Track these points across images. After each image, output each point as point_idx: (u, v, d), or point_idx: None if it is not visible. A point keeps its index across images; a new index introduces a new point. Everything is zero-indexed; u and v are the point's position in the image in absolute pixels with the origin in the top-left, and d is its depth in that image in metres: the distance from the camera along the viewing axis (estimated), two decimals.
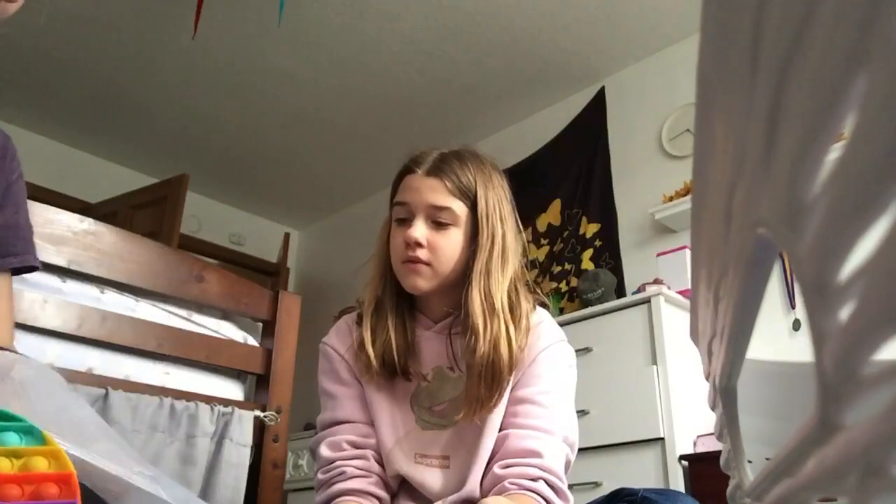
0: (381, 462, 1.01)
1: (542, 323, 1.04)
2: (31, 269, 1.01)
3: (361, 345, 1.02)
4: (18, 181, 1.01)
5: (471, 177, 1.01)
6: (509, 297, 1.00)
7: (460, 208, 1.00)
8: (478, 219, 1.00)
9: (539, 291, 1.08)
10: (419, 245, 0.98)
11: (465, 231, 1.00)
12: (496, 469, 0.94)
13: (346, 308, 1.05)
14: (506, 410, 0.98)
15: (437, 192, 0.99)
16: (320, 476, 0.99)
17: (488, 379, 0.95)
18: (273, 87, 3.50)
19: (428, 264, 0.99)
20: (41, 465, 0.49)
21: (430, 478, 0.99)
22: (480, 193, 1.00)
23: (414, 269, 0.99)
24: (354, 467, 0.98)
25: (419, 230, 0.98)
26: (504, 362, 0.95)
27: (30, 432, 0.51)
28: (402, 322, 1.03)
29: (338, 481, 0.97)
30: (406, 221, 1.01)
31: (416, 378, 1.03)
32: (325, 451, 1.00)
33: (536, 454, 0.93)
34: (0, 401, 0.56)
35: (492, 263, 0.98)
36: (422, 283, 0.99)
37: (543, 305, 1.08)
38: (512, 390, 0.99)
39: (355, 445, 1.00)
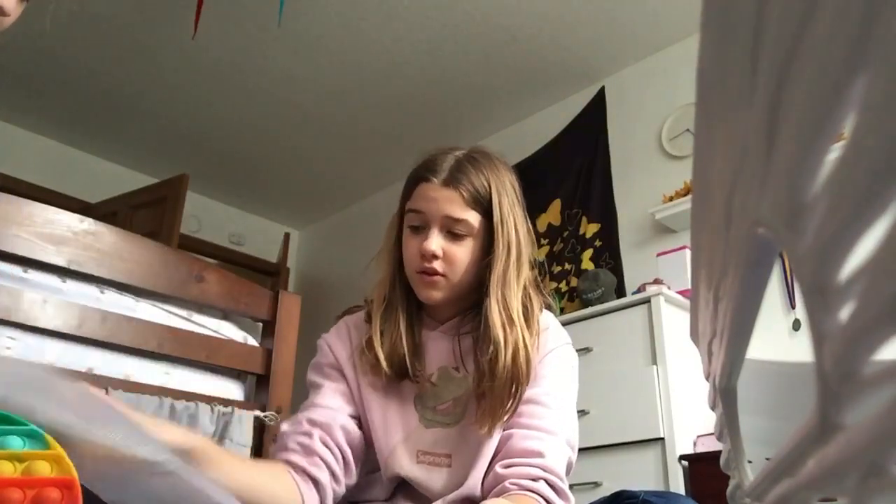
0: (334, 444, 0.98)
1: (549, 328, 1.05)
2: None
3: (370, 345, 1.01)
4: None
5: (486, 184, 0.99)
6: (523, 303, 1.00)
7: (475, 218, 0.99)
8: (493, 227, 0.99)
9: (544, 293, 1.08)
10: (435, 257, 0.98)
11: (480, 240, 1.00)
12: (498, 468, 0.94)
13: (350, 308, 1.05)
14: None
15: (454, 204, 0.98)
16: (273, 450, 1.00)
17: (509, 388, 0.95)
18: (273, 87, 3.51)
19: (443, 275, 0.98)
20: (44, 469, 0.48)
21: (432, 477, 0.99)
22: (495, 201, 0.99)
23: (430, 282, 0.99)
24: (296, 443, 0.96)
25: (435, 242, 0.97)
26: (522, 371, 0.95)
27: (33, 436, 0.51)
28: (410, 323, 1.03)
29: (280, 454, 0.97)
30: (420, 230, 1.00)
31: (421, 379, 1.03)
32: (284, 425, 1.01)
33: (538, 454, 0.93)
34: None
35: (509, 272, 0.98)
36: (437, 294, 0.99)
37: (548, 307, 1.09)
38: None
39: (313, 423, 0.98)
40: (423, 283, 0.99)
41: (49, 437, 0.51)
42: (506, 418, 0.96)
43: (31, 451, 0.50)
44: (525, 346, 0.96)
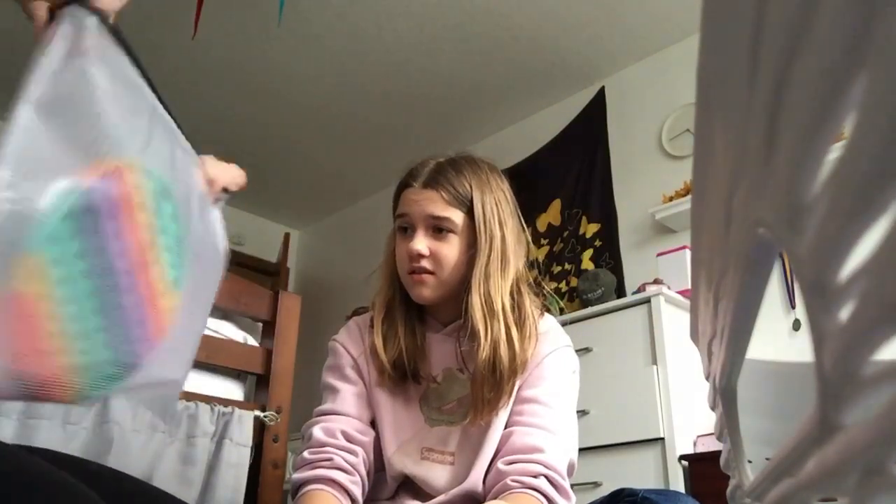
0: (366, 464, 1.02)
1: (550, 331, 1.07)
2: None
3: (374, 350, 1.05)
4: None
5: (466, 184, 1.03)
6: (512, 298, 1.02)
7: (458, 216, 1.02)
8: (475, 225, 1.02)
9: (544, 293, 1.10)
10: (421, 256, 1.01)
11: (465, 238, 1.03)
12: (500, 465, 0.96)
13: (358, 309, 1.06)
14: (511, 410, 1.01)
15: (435, 203, 1.02)
16: (306, 455, 1.00)
17: (491, 381, 0.97)
18: (273, 87, 3.50)
19: (432, 273, 1.02)
20: None
21: (435, 473, 1.00)
22: (477, 199, 1.03)
23: (419, 281, 1.02)
24: (343, 459, 0.99)
25: (420, 242, 1.01)
26: (505, 364, 0.97)
27: None
28: (411, 327, 1.06)
29: (323, 466, 0.98)
30: (408, 232, 1.04)
31: (426, 380, 1.05)
32: (318, 433, 1.01)
33: (538, 450, 0.95)
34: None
35: (491, 267, 1.00)
36: (427, 293, 1.02)
37: (546, 309, 1.10)
38: (518, 391, 1.01)
39: (349, 438, 1.01)
40: (413, 282, 1.03)
41: None
42: (496, 407, 0.98)
43: None
44: (510, 339, 0.98)
